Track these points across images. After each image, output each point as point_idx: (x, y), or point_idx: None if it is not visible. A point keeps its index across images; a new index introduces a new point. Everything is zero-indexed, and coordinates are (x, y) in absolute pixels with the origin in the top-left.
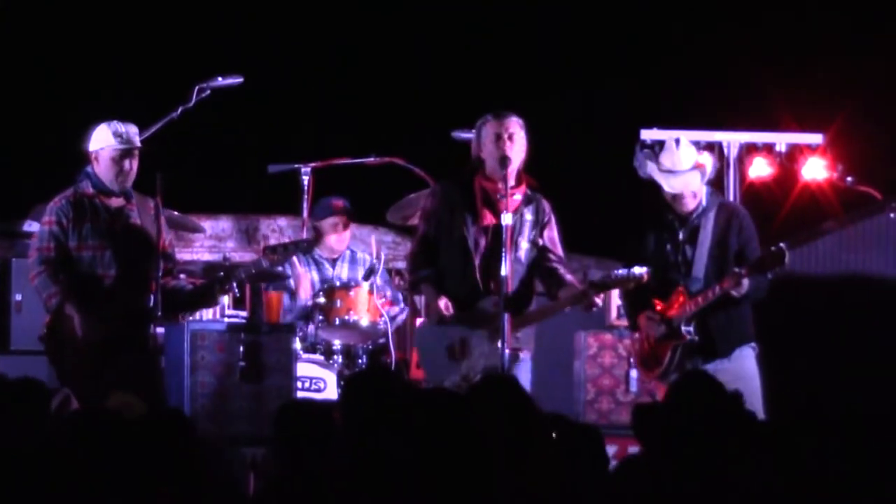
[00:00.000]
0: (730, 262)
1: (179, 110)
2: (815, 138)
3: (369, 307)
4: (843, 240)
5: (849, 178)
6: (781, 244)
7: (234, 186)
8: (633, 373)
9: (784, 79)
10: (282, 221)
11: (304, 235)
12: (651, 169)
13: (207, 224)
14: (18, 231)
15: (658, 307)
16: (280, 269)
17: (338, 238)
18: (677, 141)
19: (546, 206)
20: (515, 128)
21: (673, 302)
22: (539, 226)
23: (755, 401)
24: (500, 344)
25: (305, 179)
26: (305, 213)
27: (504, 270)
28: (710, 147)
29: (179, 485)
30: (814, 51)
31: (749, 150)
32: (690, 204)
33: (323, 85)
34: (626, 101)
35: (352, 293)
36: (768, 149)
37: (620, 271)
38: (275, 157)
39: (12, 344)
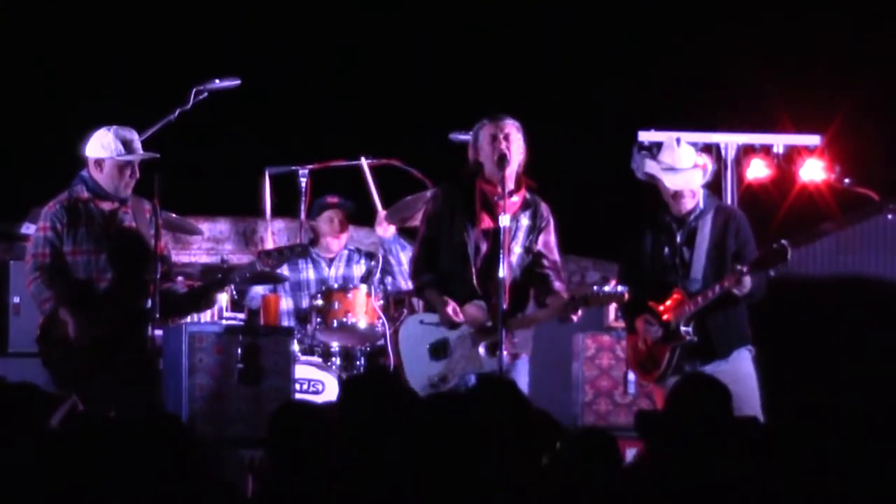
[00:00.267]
0: (727, 264)
1: (177, 112)
2: (813, 139)
3: (367, 309)
4: (841, 241)
5: (846, 180)
6: (783, 241)
7: (231, 188)
8: (631, 375)
9: (782, 80)
10: (280, 223)
11: (302, 238)
12: (652, 167)
13: (205, 226)
14: (16, 233)
15: (656, 310)
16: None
17: (334, 234)
18: (678, 140)
19: (545, 209)
20: (511, 129)
21: (671, 304)
22: (536, 231)
23: (753, 402)
24: (481, 348)
25: (303, 181)
26: (303, 215)
27: (501, 272)
28: (708, 148)
29: (177, 488)
30: (811, 52)
31: (747, 151)
32: (689, 204)
33: (320, 87)
34: (624, 102)
35: (350, 295)
36: (766, 150)
37: (602, 288)
38: (273, 158)
39: (10, 346)
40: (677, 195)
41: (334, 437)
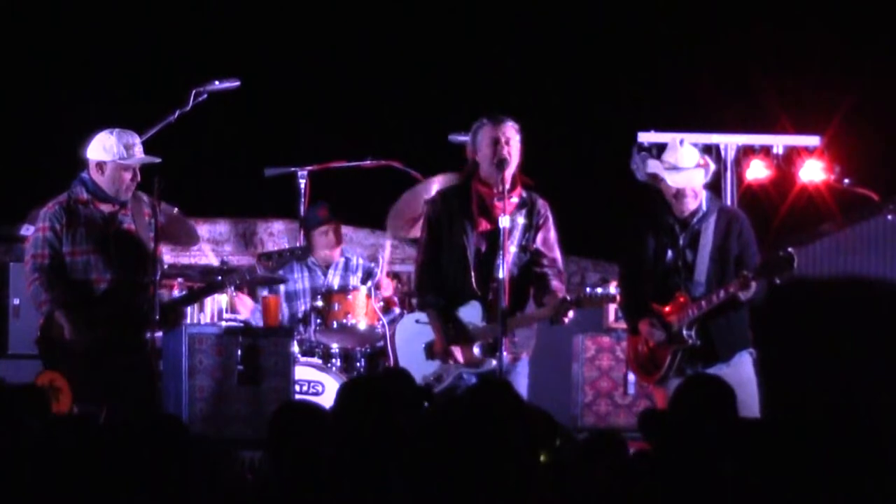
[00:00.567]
0: (730, 266)
1: (176, 114)
2: (813, 140)
3: (367, 311)
4: (841, 242)
5: (846, 180)
6: (790, 249)
7: (231, 190)
8: (631, 376)
9: (781, 81)
10: (279, 225)
11: (301, 240)
12: (654, 165)
13: (205, 228)
14: (16, 235)
15: (660, 312)
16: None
17: (330, 247)
18: (681, 140)
19: (542, 206)
20: (511, 132)
21: (674, 306)
22: (533, 228)
23: (752, 406)
24: (476, 348)
25: (302, 183)
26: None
27: (501, 274)
28: (708, 149)
29: (177, 489)
30: (811, 53)
31: (746, 152)
32: (691, 204)
33: (320, 88)
34: (624, 103)
35: (349, 297)
36: (766, 151)
37: (595, 290)
38: (272, 160)
39: (10, 348)
40: (679, 195)
41: (334, 437)
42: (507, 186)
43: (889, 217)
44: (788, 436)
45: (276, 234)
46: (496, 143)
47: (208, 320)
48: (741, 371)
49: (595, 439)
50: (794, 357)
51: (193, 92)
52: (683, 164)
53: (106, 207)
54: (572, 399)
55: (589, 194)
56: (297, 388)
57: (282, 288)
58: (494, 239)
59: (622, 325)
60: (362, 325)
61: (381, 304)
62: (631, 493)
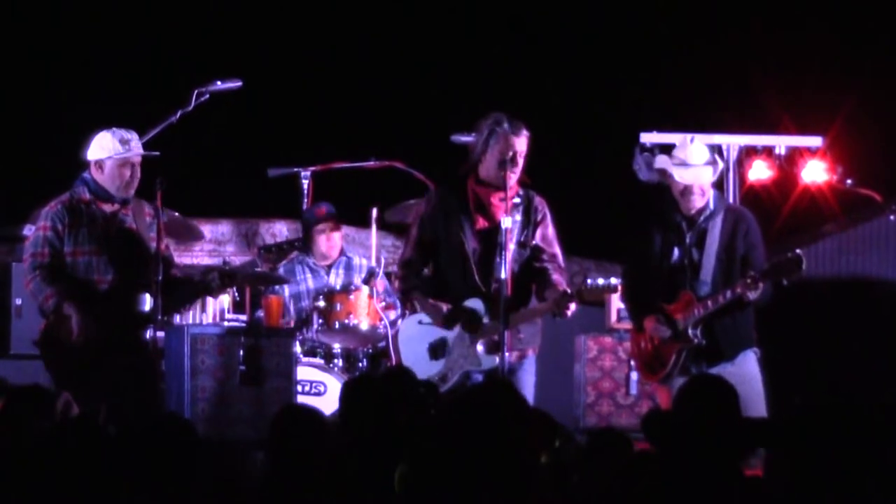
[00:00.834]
0: (737, 265)
1: (178, 114)
2: (815, 141)
3: (369, 311)
4: (843, 242)
5: (848, 181)
6: (798, 251)
7: (233, 190)
8: (634, 375)
9: (783, 81)
10: (281, 225)
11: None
12: (663, 161)
13: (207, 228)
14: (19, 235)
15: (667, 310)
16: (280, 272)
17: (328, 244)
18: (692, 138)
19: (539, 203)
20: (524, 144)
21: (679, 305)
22: (531, 225)
23: (758, 404)
24: (480, 345)
25: (305, 183)
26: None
27: (504, 273)
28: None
29: (181, 488)
30: (813, 53)
31: (749, 152)
32: (698, 202)
33: (322, 88)
34: (626, 104)
35: (351, 297)
36: (768, 151)
37: (595, 281)
38: (274, 160)
39: (12, 348)
40: (686, 192)
41: (335, 440)
42: (511, 183)
43: (891, 217)
44: (792, 435)
45: (279, 235)
46: (513, 160)
47: (210, 320)
48: (746, 370)
49: (599, 437)
50: (797, 356)
51: (196, 92)
52: (693, 160)
53: (108, 207)
54: (574, 399)
55: (591, 195)
56: (299, 388)
57: (286, 289)
58: (492, 237)
59: (624, 325)
60: (364, 326)
61: (384, 303)
62: (634, 492)
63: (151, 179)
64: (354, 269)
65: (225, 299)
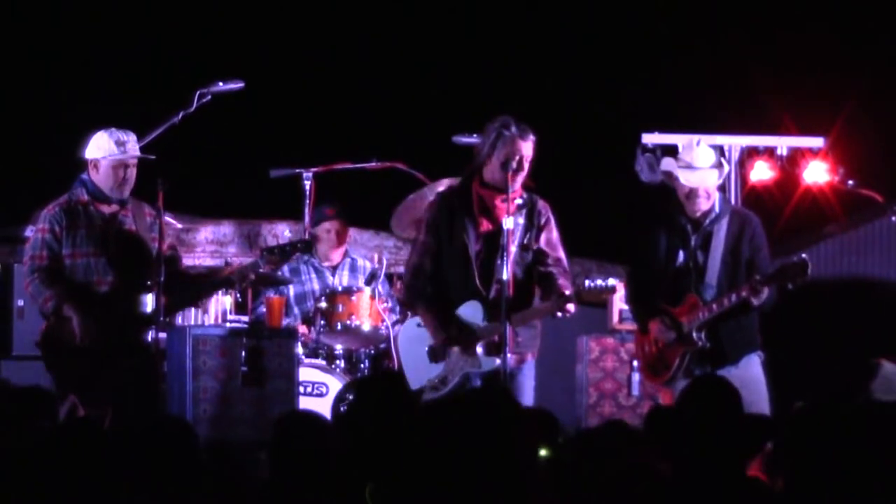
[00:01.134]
0: (742, 269)
1: (180, 115)
2: (817, 142)
3: (371, 312)
4: (845, 243)
5: (850, 182)
6: (804, 255)
7: (235, 191)
8: (636, 376)
9: (785, 82)
10: (283, 226)
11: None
12: (669, 163)
13: (209, 229)
14: (20, 237)
15: (672, 313)
16: (281, 273)
17: (332, 246)
18: (698, 141)
19: (542, 207)
20: (531, 149)
21: (684, 308)
22: (534, 228)
23: (762, 407)
24: (479, 348)
25: (307, 184)
26: (307, 219)
27: (505, 275)
28: None
29: (180, 490)
30: (815, 54)
31: (750, 153)
32: (704, 205)
33: (324, 89)
34: (628, 104)
35: (353, 298)
36: (769, 152)
37: (594, 282)
38: (276, 161)
39: (14, 349)
40: (691, 194)
41: (336, 443)
42: (515, 193)
43: (893, 218)
44: (789, 435)
45: (281, 236)
46: (519, 165)
47: (212, 322)
48: (750, 372)
49: (605, 430)
50: (799, 358)
51: (197, 93)
52: (699, 163)
53: (106, 208)
54: (576, 400)
55: (592, 195)
56: (301, 389)
57: (291, 290)
58: (495, 239)
59: (626, 326)
60: (366, 327)
61: (385, 305)
62: (635, 492)
63: (153, 180)
64: (359, 270)
65: (227, 300)
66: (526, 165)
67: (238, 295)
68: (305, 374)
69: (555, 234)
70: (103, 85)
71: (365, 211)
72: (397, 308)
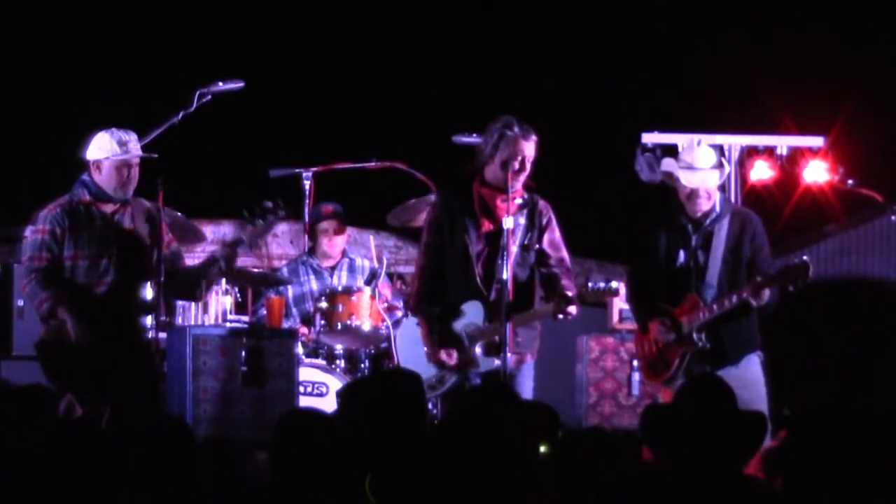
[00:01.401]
0: (742, 269)
1: (180, 115)
2: (817, 141)
3: (371, 312)
4: (845, 243)
5: (850, 181)
6: (805, 257)
7: (235, 191)
8: (636, 376)
9: (785, 81)
10: (282, 226)
11: (306, 240)
12: (669, 164)
13: (209, 229)
14: (20, 237)
15: (672, 313)
16: (281, 274)
17: (330, 242)
18: (699, 141)
19: (543, 207)
20: (533, 149)
21: (685, 308)
22: (536, 229)
23: (761, 407)
24: (478, 348)
25: (307, 184)
26: (307, 218)
27: (505, 274)
28: None
29: (180, 490)
30: (814, 53)
31: (750, 153)
32: (704, 205)
33: (324, 89)
34: (627, 104)
35: (354, 298)
36: (769, 152)
37: (597, 283)
38: (276, 161)
39: (14, 349)
40: (692, 195)
41: (337, 442)
42: (517, 186)
43: (893, 218)
44: (789, 434)
45: (281, 236)
46: (522, 166)
47: (213, 321)
48: (750, 373)
49: (604, 439)
50: (798, 357)
51: (197, 93)
52: (699, 164)
53: (108, 208)
54: (576, 400)
55: (592, 195)
56: (302, 389)
57: (289, 291)
58: (497, 239)
59: (626, 325)
60: (366, 327)
61: (386, 304)
62: (633, 493)
63: (153, 180)
64: (357, 270)
65: (227, 300)
66: (528, 166)
67: (238, 294)
68: (305, 373)
69: (557, 235)
70: (103, 85)
71: (365, 211)
72: (401, 304)
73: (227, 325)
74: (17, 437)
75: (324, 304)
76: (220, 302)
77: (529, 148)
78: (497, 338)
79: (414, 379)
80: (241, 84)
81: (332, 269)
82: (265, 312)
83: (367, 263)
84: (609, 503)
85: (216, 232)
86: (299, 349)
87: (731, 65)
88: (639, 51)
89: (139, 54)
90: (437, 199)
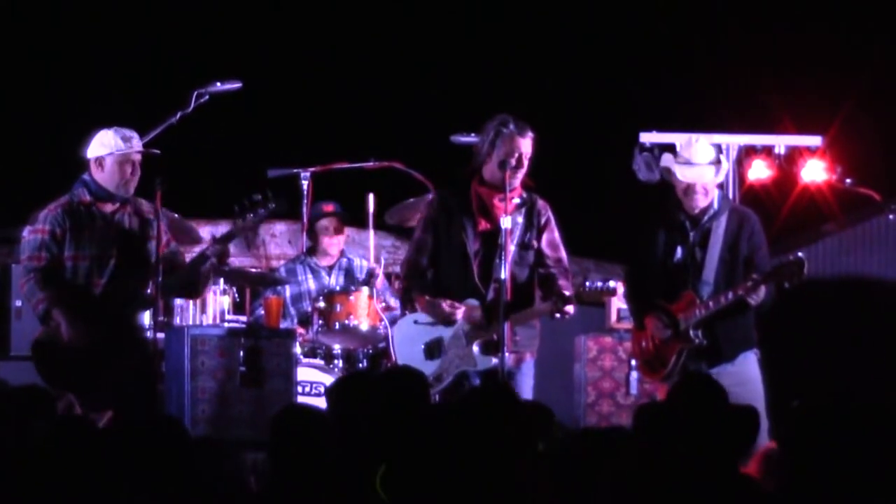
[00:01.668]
0: (739, 267)
1: (178, 115)
2: (815, 140)
3: (369, 311)
4: (843, 242)
5: (848, 180)
6: (800, 254)
7: (233, 191)
8: (634, 375)
9: (783, 81)
10: (281, 226)
11: (304, 240)
12: (667, 159)
13: (207, 229)
14: (19, 237)
15: (669, 309)
16: (279, 274)
17: (329, 241)
18: (697, 138)
19: (542, 206)
20: (529, 146)
21: (681, 304)
22: (534, 228)
23: (758, 404)
24: (476, 346)
25: (305, 184)
26: (305, 218)
27: (503, 274)
28: None
29: (178, 490)
30: (813, 53)
31: (748, 152)
32: (702, 201)
33: (322, 89)
34: (626, 103)
35: (351, 297)
36: (767, 151)
37: (595, 283)
38: (274, 161)
39: (12, 350)
40: (689, 190)
41: (335, 440)
42: (515, 184)
43: (891, 217)
44: (789, 434)
45: (279, 235)
46: (519, 163)
47: (211, 322)
48: (746, 370)
49: (602, 436)
50: (796, 356)
51: (195, 93)
52: (696, 159)
53: (108, 207)
54: (574, 400)
55: (591, 195)
56: (300, 389)
57: (287, 290)
58: (494, 239)
59: (624, 325)
60: (364, 326)
61: (383, 304)
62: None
63: (151, 179)
64: (355, 270)
65: (225, 300)
66: (525, 163)
67: (236, 294)
68: (303, 373)
69: (556, 235)
70: (101, 84)
71: (363, 211)
72: (398, 305)
73: (225, 325)
74: (15, 438)
75: (322, 304)
76: (218, 302)
77: (526, 145)
78: (495, 336)
79: (417, 377)
80: (238, 84)
81: (330, 268)
82: (263, 312)
83: (364, 264)
84: (606, 502)
85: (214, 232)
86: (297, 349)
87: (729, 64)
88: (637, 50)
89: (138, 55)
90: (432, 198)
